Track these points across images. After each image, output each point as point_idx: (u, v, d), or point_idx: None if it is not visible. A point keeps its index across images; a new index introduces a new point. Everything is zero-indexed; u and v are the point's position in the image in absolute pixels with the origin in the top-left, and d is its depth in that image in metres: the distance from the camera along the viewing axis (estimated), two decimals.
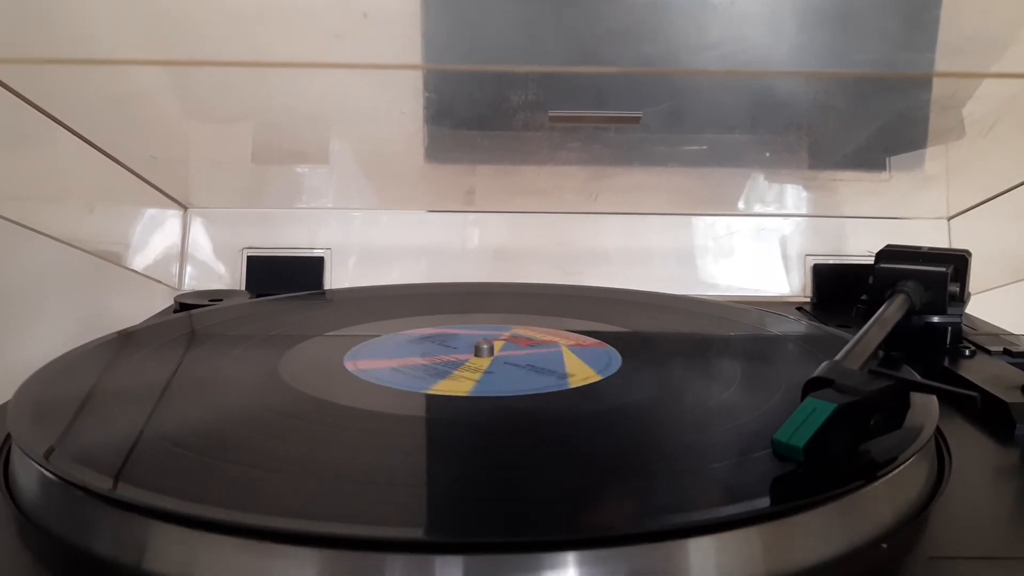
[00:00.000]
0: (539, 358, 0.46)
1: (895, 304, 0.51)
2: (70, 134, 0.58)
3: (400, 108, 0.64)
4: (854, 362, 0.37)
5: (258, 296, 0.63)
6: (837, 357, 0.37)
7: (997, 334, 0.56)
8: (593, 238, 0.70)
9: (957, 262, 0.56)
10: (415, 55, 0.59)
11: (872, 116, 0.64)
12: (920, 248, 0.59)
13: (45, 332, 0.59)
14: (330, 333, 0.52)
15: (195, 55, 0.57)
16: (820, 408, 0.31)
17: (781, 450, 0.31)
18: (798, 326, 0.57)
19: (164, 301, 0.64)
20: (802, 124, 0.66)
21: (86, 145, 0.60)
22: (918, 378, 0.37)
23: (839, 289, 0.69)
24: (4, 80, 0.52)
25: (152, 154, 0.65)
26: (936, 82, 0.61)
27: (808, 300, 0.69)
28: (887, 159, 0.68)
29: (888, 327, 0.46)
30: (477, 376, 0.43)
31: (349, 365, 0.44)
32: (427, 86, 0.63)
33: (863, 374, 0.35)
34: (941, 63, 0.59)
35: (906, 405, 0.34)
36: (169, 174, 0.67)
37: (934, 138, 0.65)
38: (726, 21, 0.58)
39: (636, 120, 0.60)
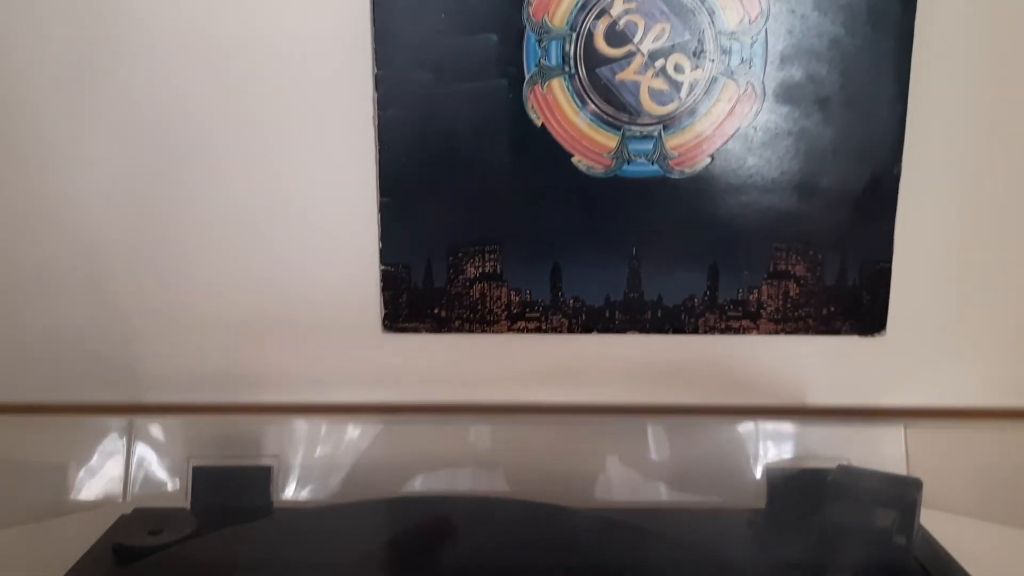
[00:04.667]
0: None
1: None
2: None
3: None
4: None
5: (203, 513, 0.63)
6: None
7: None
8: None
9: (904, 505, 0.56)
10: None
11: None
12: (873, 476, 0.59)
13: None
14: None
15: None
16: None
17: None
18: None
19: (110, 518, 0.64)
20: None
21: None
22: None
23: (794, 496, 0.67)
24: None
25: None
26: None
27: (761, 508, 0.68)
28: None
29: None
30: None
31: None
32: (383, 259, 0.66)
33: None
34: None
35: None
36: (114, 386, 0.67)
37: None
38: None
39: None
